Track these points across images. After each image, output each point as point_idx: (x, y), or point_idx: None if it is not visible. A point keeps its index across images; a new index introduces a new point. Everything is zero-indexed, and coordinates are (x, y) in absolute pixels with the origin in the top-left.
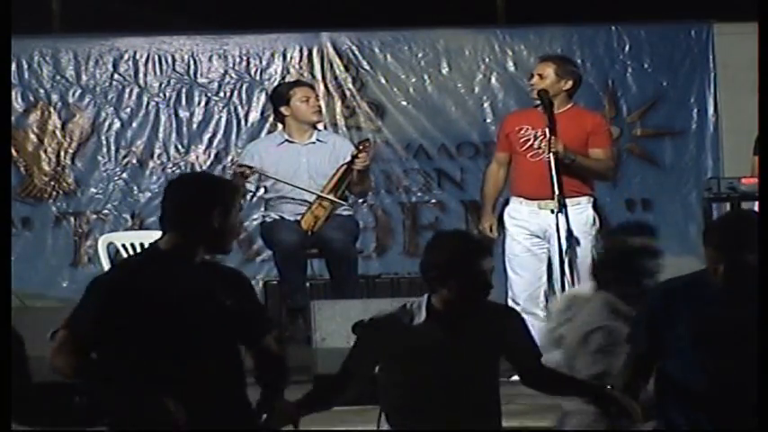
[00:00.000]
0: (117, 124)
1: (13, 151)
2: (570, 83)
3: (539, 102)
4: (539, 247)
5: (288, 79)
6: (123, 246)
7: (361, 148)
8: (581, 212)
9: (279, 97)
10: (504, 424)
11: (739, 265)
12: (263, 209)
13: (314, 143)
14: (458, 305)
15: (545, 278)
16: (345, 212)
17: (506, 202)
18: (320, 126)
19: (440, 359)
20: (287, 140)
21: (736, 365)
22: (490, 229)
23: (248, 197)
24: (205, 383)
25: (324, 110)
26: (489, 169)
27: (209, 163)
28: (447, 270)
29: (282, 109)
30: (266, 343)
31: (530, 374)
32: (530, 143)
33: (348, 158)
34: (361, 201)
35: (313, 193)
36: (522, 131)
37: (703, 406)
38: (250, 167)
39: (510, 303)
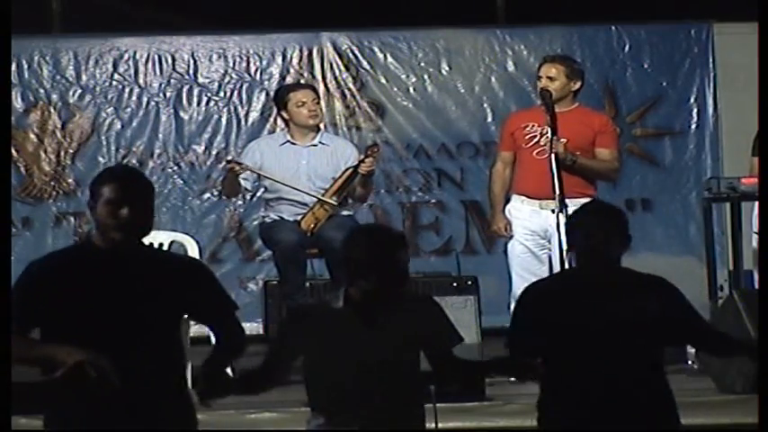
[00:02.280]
0: (117, 124)
1: (13, 151)
2: (579, 83)
3: (542, 102)
4: (540, 247)
5: (288, 79)
6: None
7: (368, 153)
8: None
9: (278, 101)
10: (505, 424)
11: (595, 257)
12: (262, 209)
13: (315, 146)
14: (374, 296)
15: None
16: (345, 212)
17: (507, 201)
18: (323, 128)
19: (357, 349)
20: (288, 141)
21: (616, 361)
22: (505, 229)
23: (248, 197)
24: (137, 369)
25: (323, 111)
26: (495, 169)
27: (209, 163)
28: (363, 263)
29: (282, 113)
30: (226, 323)
31: (443, 363)
32: (535, 140)
33: (350, 162)
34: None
35: (320, 199)
36: (528, 129)
37: (586, 404)
38: (240, 164)
39: (513, 303)
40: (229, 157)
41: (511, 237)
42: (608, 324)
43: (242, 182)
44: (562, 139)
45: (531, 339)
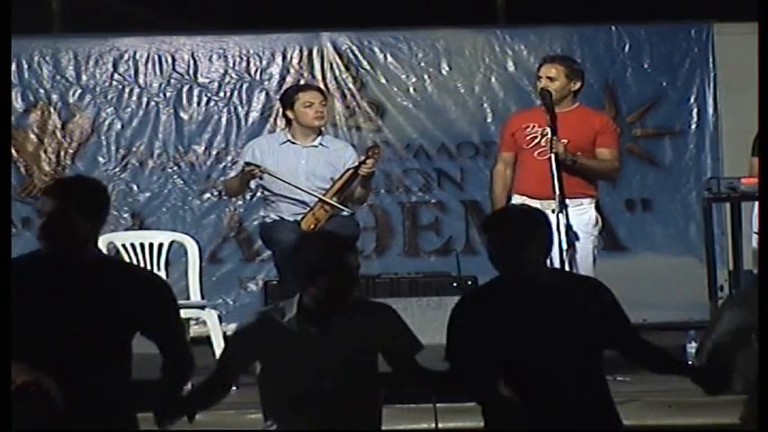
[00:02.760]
0: (117, 124)
1: (13, 151)
2: (579, 83)
3: (542, 102)
4: None
5: (288, 79)
6: (123, 246)
7: (369, 154)
8: (583, 213)
9: (285, 100)
10: None
11: (513, 265)
12: (262, 209)
13: (315, 147)
14: (326, 302)
15: None
16: (345, 212)
17: (508, 201)
18: (324, 130)
19: (311, 355)
20: (289, 141)
21: (547, 366)
22: None
23: (248, 197)
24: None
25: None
26: (496, 170)
27: (209, 163)
28: (314, 268)
29: (288, 112)
30: (168, 342)
31: (402, 371)
32: (536, 141)
33: (350, 164)
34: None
35: (317, 197)
36: (529, 129)
37: (526, 407)
38: (258, 166)
39: None
40: (246, 160)
41: None
42: (531, 330)
43: (251, 184)
44: (563, 140)
45: (466, 352)
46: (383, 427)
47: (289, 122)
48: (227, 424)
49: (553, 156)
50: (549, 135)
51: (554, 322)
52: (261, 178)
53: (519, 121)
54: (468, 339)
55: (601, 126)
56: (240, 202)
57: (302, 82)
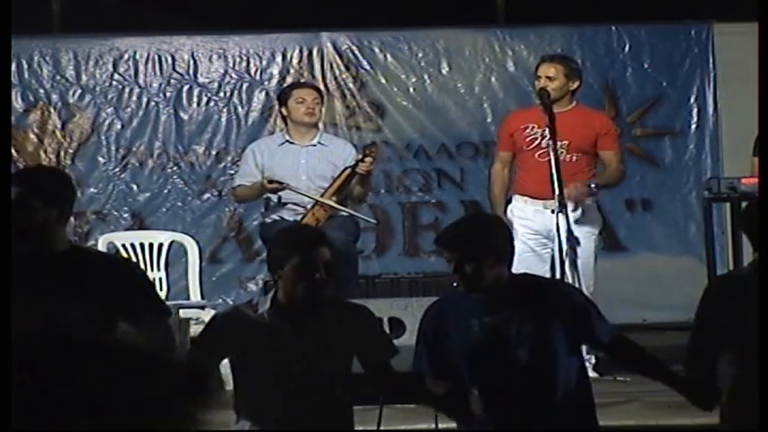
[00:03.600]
0: (117, 124)
1: (13, 151)
2: (577, 82)
3: (540, 102)
4: (543, 246)
5: (288, 79)
6: (123, 246)
7: (367, 152)
8: (586, 213)
9: (281, 97)
10: None
11: (472, 273)
12: (262, 210)
13: (314, 145)
14: (299, 298)
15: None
16: (345, 212)
17: (508, 201)
18: (322, 129)
19: (283, 352)
20: (287, 141)
21: (515, 372)
22: None
23: None
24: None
25: (322, 111)
26: (494, 170)
27: (209, 163)
28: (285, 263)
29: (282, 109)
30: (144, 323)
31: (374, 375)
32: (537, 142)
33: (349, 162)
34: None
35: (319, 201)
36: (528, 130)
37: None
38: (281, 183)
39: None
40: (250, 165)
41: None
42: (494, 338)
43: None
44: (563, 141)
45: (432, 361)
46: (383, 427)
47: (285, 121)
48: (227, 424)
49: (553, 156)
50: (549, 135)
51: (520, 329)
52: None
53: (517, 121)
54: (436, 349)
55: (601, 127)
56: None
57: (306, 81)
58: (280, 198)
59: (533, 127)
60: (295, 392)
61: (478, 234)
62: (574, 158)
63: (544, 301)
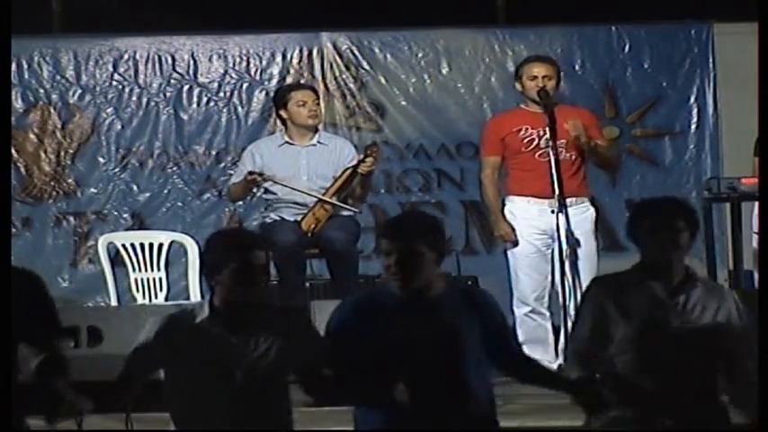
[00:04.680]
0: (117, 124)
1: (13, 151)
2: (560, 80)
3: (540, 102)
4: (547, 246)
5: (288, 79)
6: (123, 246)
7: (368, 152)
8: (585, 211)
9: (278, 100)
10: (504, 424)
11: (400, 273)
12: (262, 209)
13: (314, 145)
14: (235, 303)
15: (550, 278)
16: (346, 212)
17: (505, 202)
18: (322, 128)
19: (222, 358)
20: (287, 142)
21: (430, 375)
22: (510, 234)
23: (248, 198)
24: None
25: (323, 112)
26: (485, 175)
27: (209, 163)
28: (220, 268)
29: (281, 112)
30: (49, 345)
31: (311, 377)
32: (536, 142)
33: (350, 161)
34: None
35: (320, 198)
36: (523, 132)
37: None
38: (261, 174)
39: (518, 304)
40: (246, 165)
41: (515, 242)
42: (415, 341)
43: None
44: (561, 140)
45: (345, 360)
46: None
47: (284, 123)
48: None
49: (553, 156)
50: (549, 134)
51: (438, 332)
52: (258, 186)
53: (507, 124)
54: (346, 348)
55: (587, 120)
56: (240, 203)
57: (302, 82)
58: (266, 190)
59: (527, 128)
60: (235, 397)
61: (427, 228)
62: (572, 156)
63: (468, 309)
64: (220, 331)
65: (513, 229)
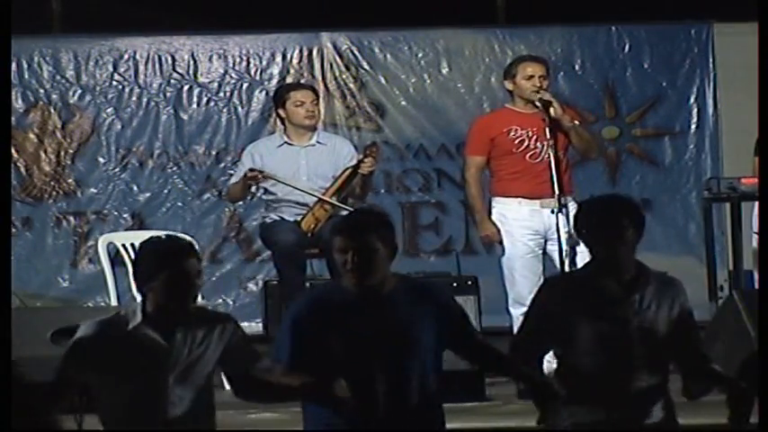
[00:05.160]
0: (117, 124)
1: (13, 151)
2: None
3: (539, 103)
4: (540, 246)
5: (288, 79)
6: (123, 246)
7: (368, 152)
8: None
9: (277, 99)
10: (504, 424)
11: (354, 271)
12: (262, 209)
13: (313, 145)
14: (166, 309)
15: (542, 278)
16: (346, 212)
17: (491, 203)
18: (321, 128)
19: (154, 364)
20: (286, 143)
21: (383, 369)
22: (494, 234)
23: (248, 198)
24: None
25: (322, 112)
26: (470, 175)
27: (209, 163)
28: (152, 274)
29: (280, 110)
30: None
31: (241, 383)
32: (526, 144)
33: (349, 161)
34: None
35: (320, 198)
36: (513, 133)
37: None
38: (261, 171)
39: (514, 305)
40: (247, 165)
41: (500, 242)
42: (368, 337)
43: (253, 189)
44: (549, 140)
45: (295, 352)
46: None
47: (283, 122)
48: (226, 424)
49: (552, 157)
50: (548, 135)
51: (392, 328)
52: (258, 183)
53: (496, 125)
54: (306, 340)
55: (574, 117)
56: (240, 203)
57: (302, 82)
58: (265, 190)
59: (516, 129)
60: (166, 404)
61: (381, 225)
62: (561, 155)
63: (421, 304)
64: (153, 337)
65: (499, 230)
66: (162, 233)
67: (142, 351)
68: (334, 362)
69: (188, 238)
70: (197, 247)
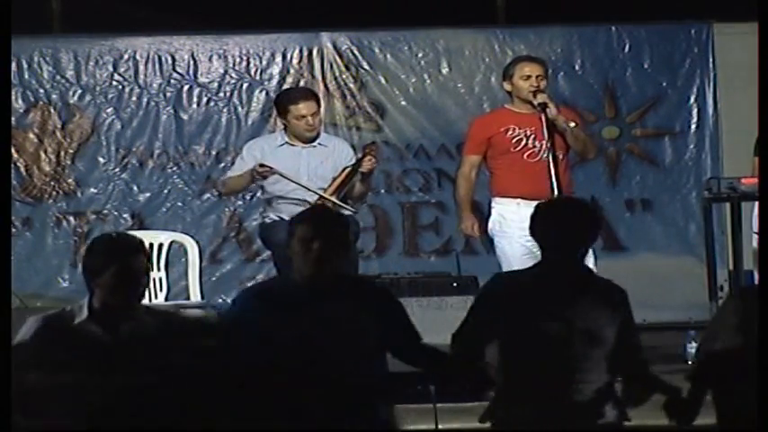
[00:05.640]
0: (117, 124)
1: (13, 151)
2: (548, 80)
3: (534, 102)
4: (537, 246)
5: (288, 80)
6: None
7: (367, 151)
8: None
9: (278, 107)
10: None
11: (305, 266)
12: (262, 209)
13: (314, 146)
14: (112, 305)
15: None
16: (346, 212)
17: (491, 204)
18: (322, 128)
19: (99, 359)
20: (287, 143)
21: (322, 365)
22: (473, 228)
23: (248, 197)
24: None
25: (321, 119)
26: (462, 173)
27: (209, 163)
28: (99, 270)
29: (280, 118)
30: None
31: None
32: (524, 143)
33: (349, 161)
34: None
35: (322, 196)
36: (511, 133)
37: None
38: (271, 168)
39: None
40: (249, 161)
41: (479, 237)
42: (310, 330)
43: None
44: (545, 141)
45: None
46: None
47: (284, 124)
48: None
49: (551, 157)
50: (547, 135)
51: (335, 324)
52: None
53: (494, 124)
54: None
55: (572, 118)
56: (240, 202)
57: (302, 82)
58: (263, 190)
59: (514, 128)
60: (111, 400)
61: (341, 223)
62: (560, 156)
63: (361, 301)
64: (98, 333)
65: (480, 224)
66: (112, 232)
67: (86, 347)
68: (276, 355)
69: (138, 236)
70: (146, 245)
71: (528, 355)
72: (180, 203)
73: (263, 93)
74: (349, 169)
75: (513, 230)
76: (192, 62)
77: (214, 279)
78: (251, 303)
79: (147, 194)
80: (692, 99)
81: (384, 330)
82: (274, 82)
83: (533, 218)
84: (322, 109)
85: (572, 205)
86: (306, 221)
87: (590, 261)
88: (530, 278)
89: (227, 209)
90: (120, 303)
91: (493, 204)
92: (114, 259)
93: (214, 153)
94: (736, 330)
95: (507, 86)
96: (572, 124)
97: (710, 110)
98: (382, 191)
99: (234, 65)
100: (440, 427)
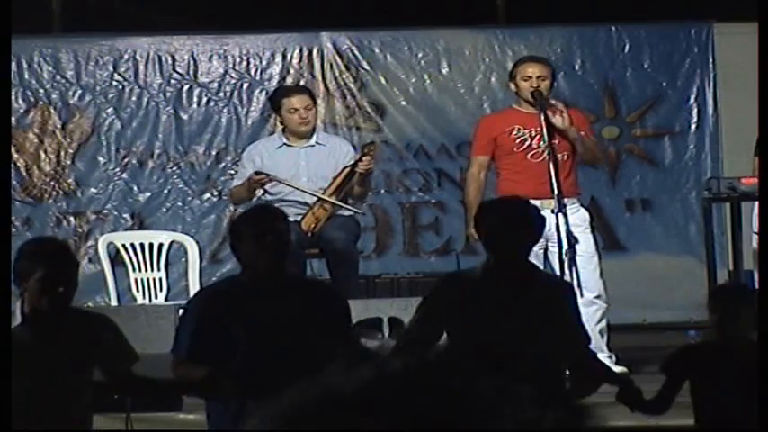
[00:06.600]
0: (117, 124)
1: (13, 151)
2: (554, 81)
3: (533, 102)
4: (540, 246)
5: (288, 79)
6: (123, 246)
7: (366, 151)
8: (577, 211)
9: (273, 103)
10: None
11: (257, 263)
12: None
13: (313, 146)
14: (43, 310)
15: None
16: (346, 212)
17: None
18: (321, 128)
19: (33, 365)
20: (285, 144)
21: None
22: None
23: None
24: None
25: (321, 113)
26: (471, 174)
27: (209, 163)
28: (29, 276)
29: (276, 114)
30: None
31: (121, 381)
32: (527, 143)
33: (348, 160)
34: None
35: (320, 197)
36: (515, 132)
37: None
38: (268, 175)
39: None
40: (247, 166)
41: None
42: (264, 328)
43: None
44: (553, 141)
45: (193, 347)
46: None
47: (282, 123)
48: None
49: (552, 156)
50: (546, 135)
51: (287, 323)
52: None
53: (499, 124)
54: (205, 334)
55: (579, 122)
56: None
57: (302, 82)
58: (264, 191)
59: (519, 128)
60: (40, 404)
61: (286, 221)
62: (564, 157)
63: (309, 301)
64: (28, 337)
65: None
66: (41, 237)
67: (16, 351)
68: (230, 354)
69: (68, 241)
70: (72, 249)
71: (474, 351)
72: (180, 203)
73: (263, 93)
74: (348, 169)
75: None
76: (191, 62)
77: (214, 279)
78: (207, 309)
79: (147, 194)
80: (692, 99)
81: (329, 329)
82: (274, 82)
83: (476, 219)
84: (322, 109)
85: (514, 206)
86: (267, 213)
87: (595, 261)
88: (477, 277)
89: (227, 209)
90: (47, 307)
91: None
92: (41, 263)
93: (214, 153)
94: (713, 326)
95: (512, 87)
96: (582, 133)
97: (710, 110)
98: (382, 191)
99: (234, 65)
100: None
